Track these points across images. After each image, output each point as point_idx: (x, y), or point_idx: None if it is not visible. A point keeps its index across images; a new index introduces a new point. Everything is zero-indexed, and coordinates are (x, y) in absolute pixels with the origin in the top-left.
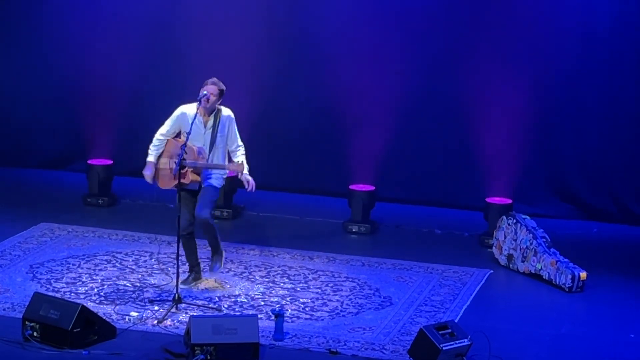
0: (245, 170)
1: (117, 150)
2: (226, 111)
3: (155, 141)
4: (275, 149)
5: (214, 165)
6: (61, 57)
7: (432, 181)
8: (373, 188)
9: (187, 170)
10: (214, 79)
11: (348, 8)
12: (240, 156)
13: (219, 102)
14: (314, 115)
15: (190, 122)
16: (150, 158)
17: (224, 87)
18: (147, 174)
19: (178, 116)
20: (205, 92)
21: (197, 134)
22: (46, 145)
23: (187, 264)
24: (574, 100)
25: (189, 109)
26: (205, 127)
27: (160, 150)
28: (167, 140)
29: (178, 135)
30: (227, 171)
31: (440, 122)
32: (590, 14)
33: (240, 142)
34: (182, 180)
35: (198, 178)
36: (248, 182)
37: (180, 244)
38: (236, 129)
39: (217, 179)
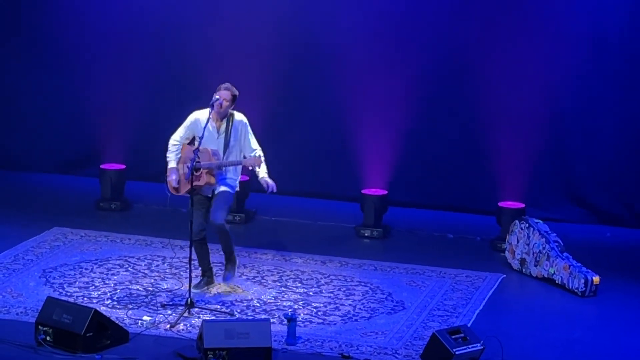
0: (263, 168)
1: (129, 154)
2: (239, 116)
3: (170, 147)
4: (288, 153)
5: (229, 162)
6: (74, 62)
7: (445, 185)
8: (385, 192)
9: (201, 172)
10: (227, 84)
11: (358, 12)
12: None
13: (232, 107)
14: (325, 119)
15: (203, 127)
16: (172, 164)
17: (237, 93)
18: (173, 178)
19: (192, 122)
20: (217, 97)
21: (210, 139)
22: (59, 149)
23: (200, 268)
24: (586, 104)
25: (202, 114)
26: (218, 132)
27: (179, 155)
28: (182, 145)
29: (192, 141)
30: (240, 176)
31: (453, 126)
32: (601, 17)
33: (256, 146)
34: (196, 183)
35: (213, 180)
36: (267, 184)
37: (193, 249)
38: (251, 134)
39: (231, 184)
